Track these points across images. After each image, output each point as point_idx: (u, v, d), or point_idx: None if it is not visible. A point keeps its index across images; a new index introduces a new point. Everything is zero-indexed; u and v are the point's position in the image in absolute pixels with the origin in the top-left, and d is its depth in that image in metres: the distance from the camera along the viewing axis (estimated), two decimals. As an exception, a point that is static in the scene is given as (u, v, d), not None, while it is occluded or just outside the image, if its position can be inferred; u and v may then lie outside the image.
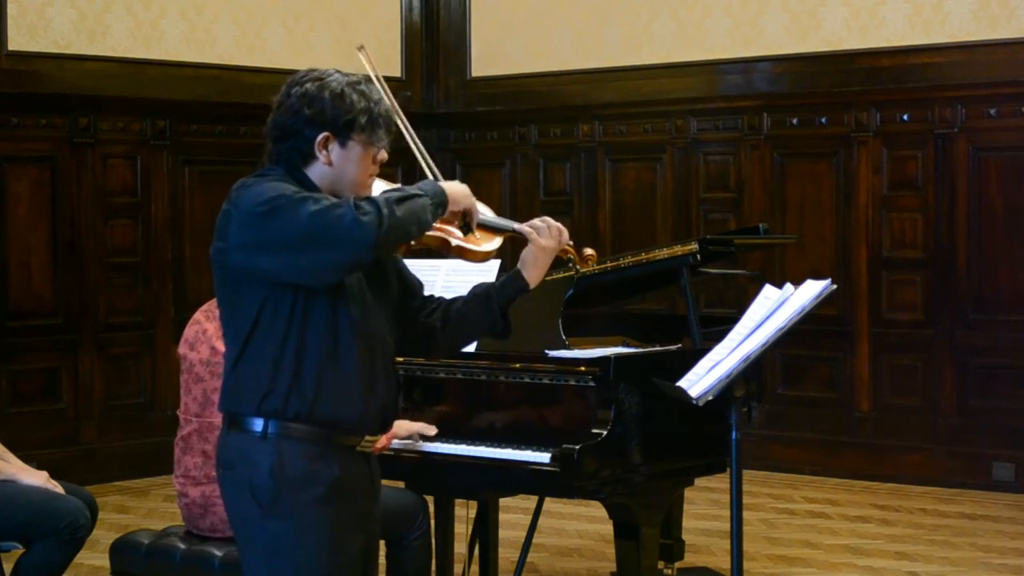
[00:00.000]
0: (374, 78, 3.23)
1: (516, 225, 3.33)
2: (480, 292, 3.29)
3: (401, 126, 3.27)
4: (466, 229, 3.20)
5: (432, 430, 4.33)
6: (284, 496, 3.01)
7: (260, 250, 2.94)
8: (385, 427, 3.21)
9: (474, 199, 3.18)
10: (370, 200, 2.92)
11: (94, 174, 7.92)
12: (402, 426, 4.27)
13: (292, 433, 3.01)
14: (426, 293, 3.37)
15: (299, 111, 3.05)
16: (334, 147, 3.06)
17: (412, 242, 3.17)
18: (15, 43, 7.58)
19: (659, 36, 8.63)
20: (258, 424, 3.02)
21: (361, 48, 3.53)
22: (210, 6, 8.35)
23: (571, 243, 3.35)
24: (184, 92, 8.18)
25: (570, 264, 3.41)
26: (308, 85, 3.07)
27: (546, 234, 3.27)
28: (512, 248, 3.36)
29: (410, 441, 4.31)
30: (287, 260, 2.92)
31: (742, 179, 8.41)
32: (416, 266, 3.52)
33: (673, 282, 5.00)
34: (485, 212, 3.33)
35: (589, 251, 3.43)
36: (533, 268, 3.28)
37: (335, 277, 2.97)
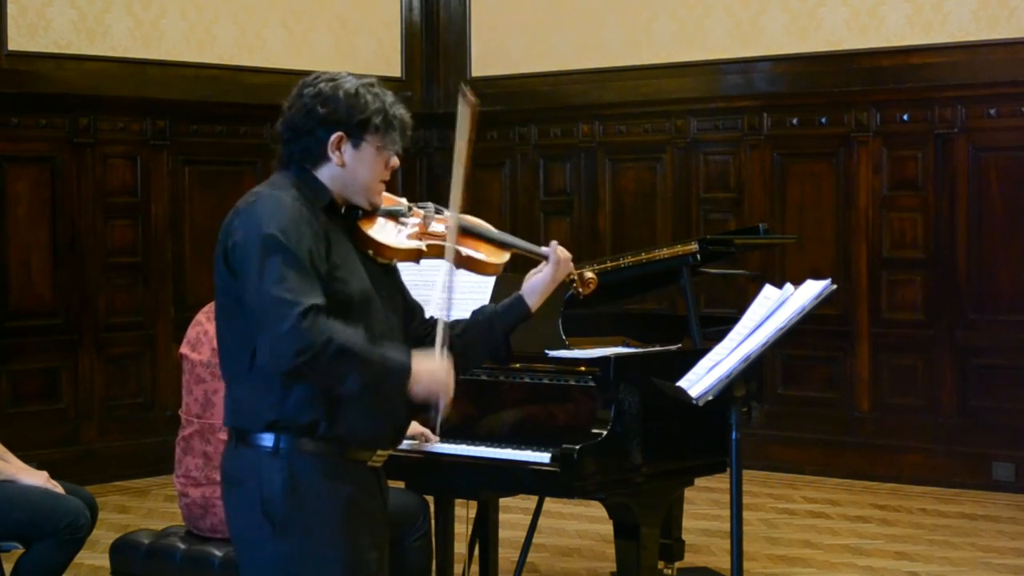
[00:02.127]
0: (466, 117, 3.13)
1: (534, 247, 3.31)
2: (482, 319, 3.24)
3: (461, 152, 3.15)
4: (431, 424, 3.11)
5: (433, 436, 4.31)
6: (298, 513, 2.94)
7: (235, 275, 2.93)
8: (397, 442, 3.16)
9: (447, 395, 2.99)
10: (322, 329, 2.81)
11: (94, 174, 7.91)
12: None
13: (305, 447, 2.95)
14: (426, 293, 3.37)
15: (312, 110, 3.01)
16: (347, 148, 3.02)
17: (424, 248, 3.17)
18: (15, 43, 7.58)
19: (659, 36, 8.62)
20: (269, 439, 2.95)
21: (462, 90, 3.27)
22: (210, 6, 8.35)
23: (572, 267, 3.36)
24: (184, 92, 8.18)
25: (572, 285, 3.40)
26: (322, 85, 3.03)
27: (563, 268, 3.26)
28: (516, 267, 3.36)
29: (415, 442, 4.29)
30: (245, 305, 2.91)
31: (742, 179, 8.41)
32: (418, 268, 3.48)
33: (673, 282, 5.00)
34: (490, 230, 3.31)
35: (590, 275, 3.42)
36: (540, 297, 3.26)
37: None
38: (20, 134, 7.66)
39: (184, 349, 4.27)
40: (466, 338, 3.22)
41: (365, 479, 3.06)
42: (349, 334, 2.86)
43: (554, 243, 3.30)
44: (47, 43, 7.69)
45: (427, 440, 4.29)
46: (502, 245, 3.30)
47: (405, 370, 2.94)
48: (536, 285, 3.25)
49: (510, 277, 3.61)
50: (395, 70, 9.13)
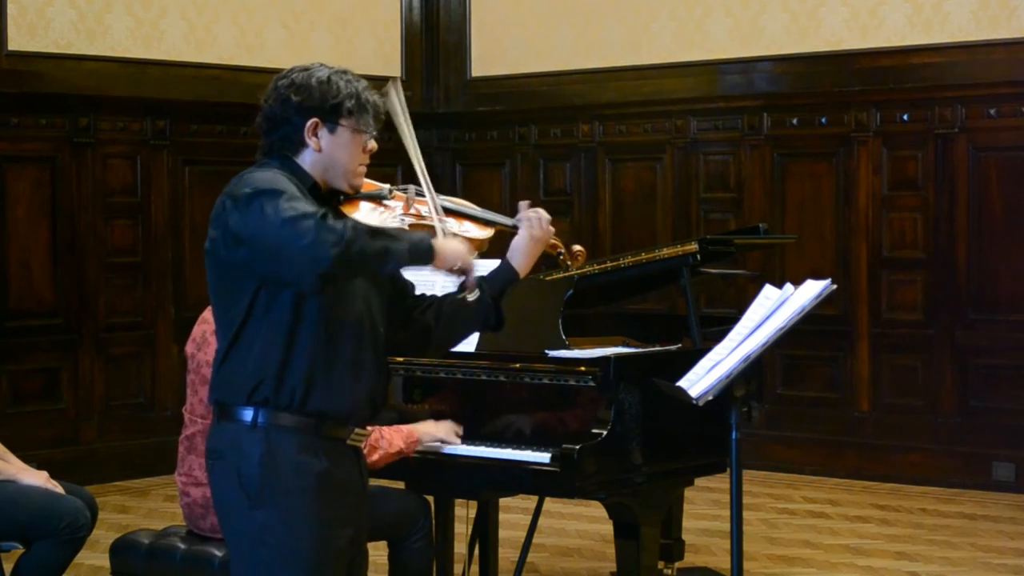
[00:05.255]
0: (402, 117, 3.19)
1: (506, 220, 3.33)
2: None
3: (404, 130, 3.23)
4: (464, 293, 3.16)
5: (457, 440, 4.29)
6: (271, 487, 3.02)
7: (237, 239, 2.96)
8: (373, 419, 3.22)
9: (472, 261, 3.11)
10: (345, 222, 2.89)
11: (94, 174, 7.92)
12: (427, 433, 4.25)
13: (282, 423, 3.03)
14: (428, 293, 3.38)
15: (287, 99, 3.10)
16: (323, 133, 3.10)
17: (406, 229, 3.17)
18: (15, 43, 7.58)
19: (659, 36, 8.63)
20: (248, 414, 3.04)
21: (393, 81, 3.30)
22: (210, 6, 8.35)
23: (558, 239, 3.37)
24: (184, 92, 8.18)
25: (560, 258, 3.41)
26: (295, 76, 3.13)
27: (537, 225, 3.27)
28: (503, 244, 3.35)
29: (433, 445, 4.27)
30: (253, 257, 2.95)
31: (742, 179, 8.41)
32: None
33: (673, 282, 5.00)
34: (470, 207, 3.35)
35: (578, 248, 3.44)
36: (523, 257, 3.27)
37: (293, 287, 2.96)
38: (20, 134, 7.66)
39: (189, 348, 4.25)
40: (456, 307, 3.28)
41: (341, 456, 3.12)
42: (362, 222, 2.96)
43: (522, 204, 3.32)
44: (47, 43, 7.69)
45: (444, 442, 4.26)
46: (484, 222, 3.32)
47: (427, 241, 3.01)
48: (517, 245, 3.27)
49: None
50: (395, 70, 9.12)
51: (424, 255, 3.01)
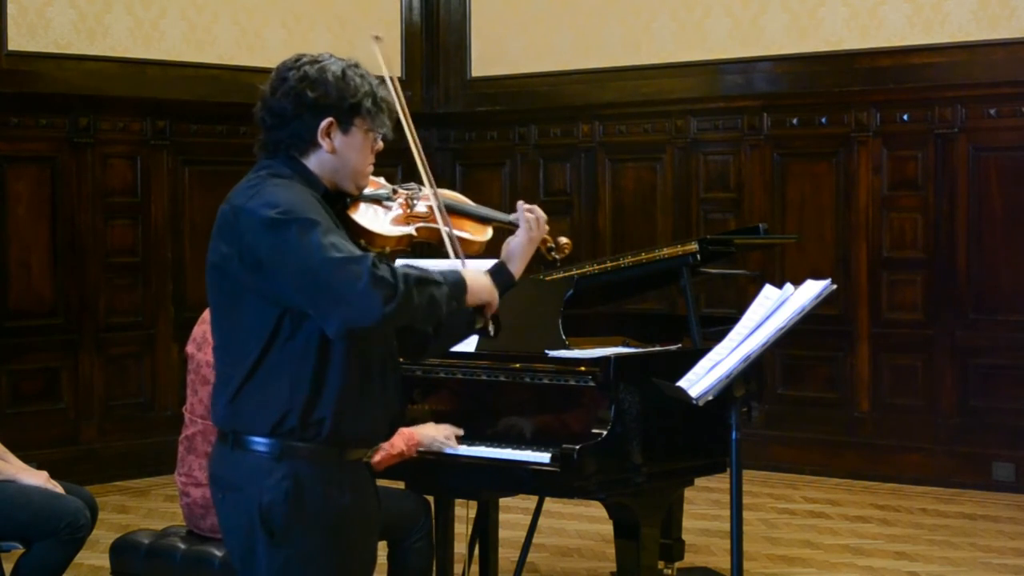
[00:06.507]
0: (386, 75, 3.07)
1: (503, 216, 3.27)
2: None
3: (405, 127, 3.10)
4: (483, 325, 3.04)
5: (456, 438, 4.27)
6: (296, 523, 2.86)
7: (257, 263, 2.79)
8: (391, 435, 3.13)
9: (496, 295, 3.02)
10: (392, 269, 2.73)
11: (94, 174, 7.92)
12: (427, 436, 4.24)
13: (306, 454, 2.86)
14: None
15: (300, 94, 2.89)
16: (336, 133, 2.93)
17: (414, 233, 3.13)
18: (15, 43, 7.58)
19: (659, 36, 8.63)
20: (271, 445, 2.86)
21: (377, 39, 3.20)
22: (210, 6, 8.35)
23: (548, 235, 3.31)
24: (184, 92, 8.18)
25: (551, 253, 3.35)
26: (307, 68, 2.92)
27: (536, 227, 3.18)
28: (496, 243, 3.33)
29: (434, 445, 4.26)
30: (277, 287, 2.78)
31: (742, 179, 8.41)
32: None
33: (673, 282, 5.00)
34: (468, 204, 3.30)
35: (564, 240, 3.38)
36: (520, 261, 3.16)
37: (327, 331, 2.79)
38: (20, 134, 7.66)
39: (190, 348, 4.24)
40: (453, 315, 3.07)
41: (362, 479, 3.01)
42: (409, 268, 2.82)
43: (520, 204, 3.23)
44: (47, 43, 7.69)
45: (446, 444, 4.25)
46: (482, 220, 3.26)
47: (463, 280, 2.91)
48: (515, 249, 3.16)
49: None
50: (395, 70, 9.10)
51: (460, 297, 2.89)
